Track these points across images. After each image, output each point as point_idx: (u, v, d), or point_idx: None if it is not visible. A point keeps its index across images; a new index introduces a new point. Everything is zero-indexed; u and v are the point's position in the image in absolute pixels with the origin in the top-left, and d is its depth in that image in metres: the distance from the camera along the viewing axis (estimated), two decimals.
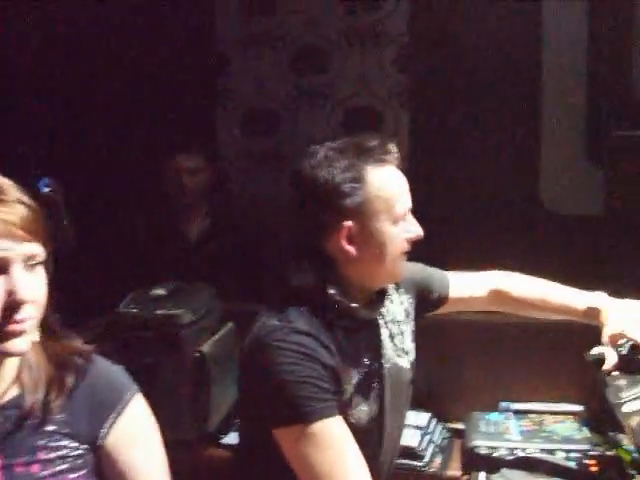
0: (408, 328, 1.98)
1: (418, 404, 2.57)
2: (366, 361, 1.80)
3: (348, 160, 1.72)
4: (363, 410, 1.75)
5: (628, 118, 3.42)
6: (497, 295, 2.15)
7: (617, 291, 2.04)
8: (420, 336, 2.04)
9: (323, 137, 1.90)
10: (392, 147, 1.78)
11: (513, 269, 2.19)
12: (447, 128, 3.88)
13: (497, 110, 3.82)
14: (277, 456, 1.63)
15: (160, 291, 2.63)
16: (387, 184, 1.75)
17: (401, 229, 1.77)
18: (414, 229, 1.81)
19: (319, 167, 1.72)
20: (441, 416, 2.68)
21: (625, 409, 1.73)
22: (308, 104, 4.09)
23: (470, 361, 2.72)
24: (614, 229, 2.80)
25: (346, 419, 1.66)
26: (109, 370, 1.45)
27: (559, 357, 2.59)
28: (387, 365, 1.85)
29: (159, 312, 2.52)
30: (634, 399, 1.75)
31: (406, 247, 1.80)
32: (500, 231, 3.64)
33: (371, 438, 1.80)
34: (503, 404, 2.56)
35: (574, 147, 3.78)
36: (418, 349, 2.02)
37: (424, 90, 3.92)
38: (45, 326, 1.36)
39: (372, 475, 1.64)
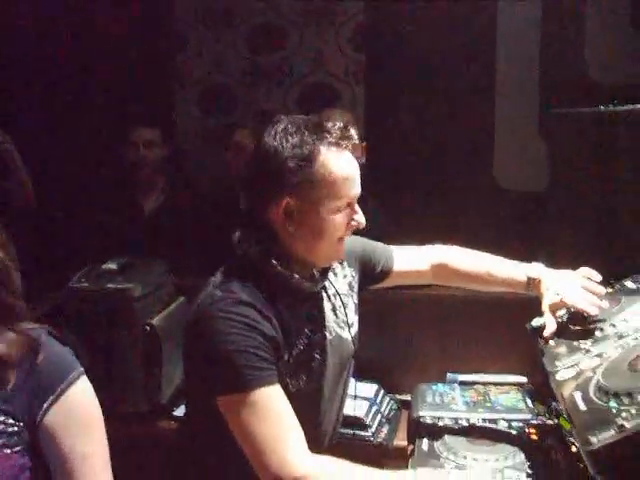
0: (351, 301, 1.99)
1: (367, 376, 2.62)
2: (308, 332, 1.81)
3: (302, 137, 1.70)
4: (303, 379, 1.77)
5: (580, 97, 3.46)
6: (441, 269, 2.16)
7: (554, 263, 2.09)
8: (370, 309, 2.07)
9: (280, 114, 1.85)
10: (352, 132, 1.76)
11: (463, 243, 2.20)
12: (403, 106, 3.91)
13: (452, 89, 3.86)
14: (221, 424, 1.66)
15: (111, 265, 2.64)
16: (337, 169, 1.71)
17: (344, 217, 1.75)
18: (357, 218, 1.79)
19: (274, 137, 1.71)
20: (390, 388, 2.73)
21: (559, 377, 1.75)
22: (265, 82, 4.10)
23: (419, 334, 2.76)
24: (555, 205, 2.86)
25: (286, 388, 1.69)
26: (54, 351, 1.43)
27: (506, 330, 2.64)
28: (329, 337, 1.87)
29: (110, 286, 2.55)
30: (569, 367, 1.77)
31: (346, 234, 1.79)
32: (452, 206, 3.69)
33: (311, 407, 1.83)
34: (450, 375, 2.60)
35: (527, 126, 3.84)
36: (368, 322, 2.04)
37: (380, 68, 3.94)
38: None
39: (313, 444, 1.67)
